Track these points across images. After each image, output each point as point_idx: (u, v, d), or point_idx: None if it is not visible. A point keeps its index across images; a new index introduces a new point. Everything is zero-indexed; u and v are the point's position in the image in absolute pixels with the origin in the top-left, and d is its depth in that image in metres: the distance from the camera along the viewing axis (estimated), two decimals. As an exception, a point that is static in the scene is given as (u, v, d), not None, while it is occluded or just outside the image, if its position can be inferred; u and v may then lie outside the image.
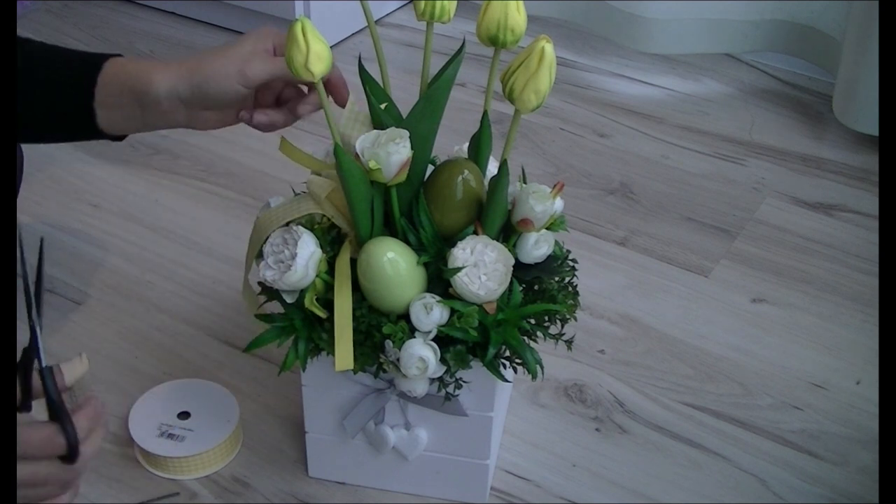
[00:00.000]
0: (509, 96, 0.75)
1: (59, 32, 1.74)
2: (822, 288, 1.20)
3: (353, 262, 0.81)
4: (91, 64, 0.89)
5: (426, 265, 0.81)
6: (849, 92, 1.43)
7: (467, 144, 0.86)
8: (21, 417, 0.68)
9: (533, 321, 0.82)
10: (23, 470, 0.66)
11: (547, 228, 0.83)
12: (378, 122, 0.82)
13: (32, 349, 0.69)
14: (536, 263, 0.84)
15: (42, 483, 0.68)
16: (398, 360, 0.79)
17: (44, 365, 0.69)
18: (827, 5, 1.51)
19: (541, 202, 0.80)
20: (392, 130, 0.78)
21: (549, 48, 0.73)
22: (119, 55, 0.91)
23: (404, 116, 0.81)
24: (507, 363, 0.82)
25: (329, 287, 0.81)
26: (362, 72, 0.81)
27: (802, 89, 1.61)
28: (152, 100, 0.88)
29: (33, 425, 0.67)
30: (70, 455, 0.67)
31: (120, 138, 0.94)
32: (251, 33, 0.89)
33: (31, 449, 0.66)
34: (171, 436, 0.95)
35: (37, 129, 0.93)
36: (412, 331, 0.80)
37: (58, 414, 0.67)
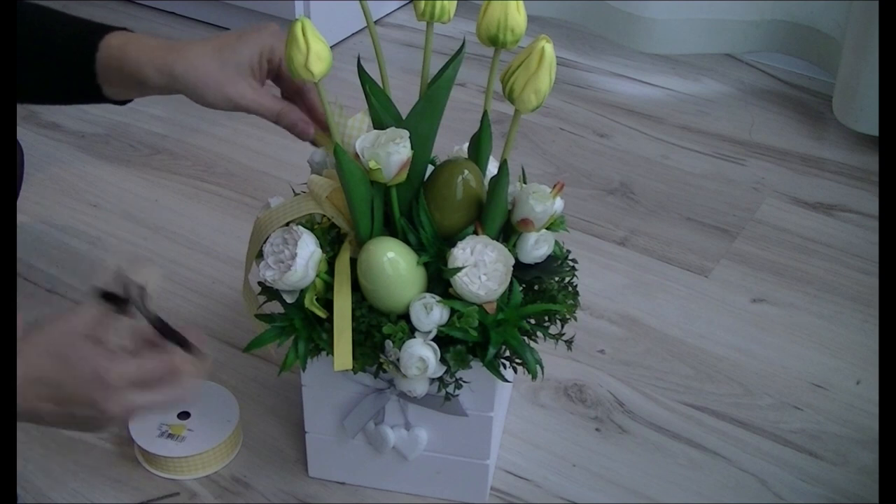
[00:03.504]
0: (509, 96, 0.75)
1: (59, 32, 1.74)
2: (822, 288, 1.20)
3: (353, 262, 0.81)
4: (89, 44, 0.91)
5: (426, 265, 0.81)
6: (849, 92, 1.43)
7: (467, 144, 0.86)
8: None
9: (533, 321, 0.82)
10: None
11: (547, 228, 0.83)
12: (378, 122, 0.82)
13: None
14: (536, 263, 0.84)
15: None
16: (398, 360, 0.79)
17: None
18: (827, 5, 1.51)
19: (541, 202, 0.80)
20: (392, 130, 0.78)
21: (549, 48, 0.73)
22: (113, 30, 0.92)
23: (404, 116, 0.81)
24: (507, 363, 0.82)
25: (329, 287, 0.81)
26: (361, 72, 0.81)
27: (802, 89, 1.61)
28: (148, 85, 0.90)
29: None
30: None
31: (126, 102, 0.97)
32: (248, 37, 0.88)
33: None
34: (171, 436, 0.95)
35: (48, 98, 1.00)
36: (412, 331, 0.80)
37: (168, 333, 0.77)
